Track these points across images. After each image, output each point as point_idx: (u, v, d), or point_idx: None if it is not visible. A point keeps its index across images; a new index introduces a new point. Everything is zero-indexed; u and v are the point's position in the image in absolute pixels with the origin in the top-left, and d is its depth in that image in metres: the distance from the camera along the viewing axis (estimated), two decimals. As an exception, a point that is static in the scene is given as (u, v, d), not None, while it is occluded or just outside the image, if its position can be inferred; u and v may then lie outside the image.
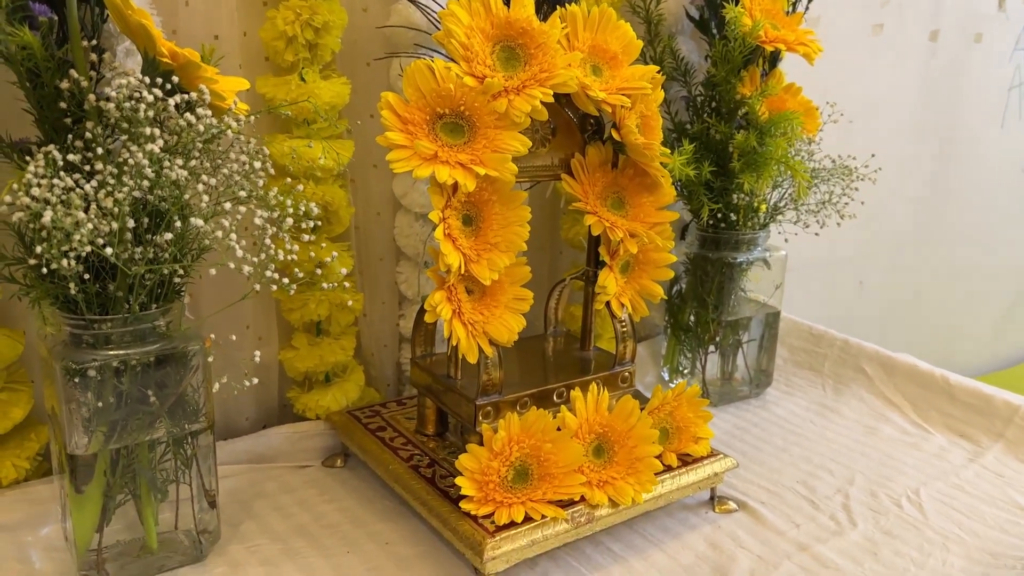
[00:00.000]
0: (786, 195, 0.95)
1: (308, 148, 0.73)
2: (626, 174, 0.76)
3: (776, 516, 0.77)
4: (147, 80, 0.56)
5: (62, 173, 0.51)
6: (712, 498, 0.79)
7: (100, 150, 0.54)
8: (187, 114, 0.53)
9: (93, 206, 0.53)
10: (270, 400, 0.87)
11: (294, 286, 0.62)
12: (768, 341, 1.04)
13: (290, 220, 0.57)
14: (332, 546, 0.71)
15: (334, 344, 0.83)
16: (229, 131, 0.55)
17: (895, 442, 0.92)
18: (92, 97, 0.54)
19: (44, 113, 0.57)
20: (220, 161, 0.57)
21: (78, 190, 0.53)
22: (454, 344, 0.67)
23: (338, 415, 0.83)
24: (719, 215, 0.94)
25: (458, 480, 0.66)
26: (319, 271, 0.76)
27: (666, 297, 1.07)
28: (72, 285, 0.56)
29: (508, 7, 0.67)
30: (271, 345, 0.84)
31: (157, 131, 0.51)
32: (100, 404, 0.61)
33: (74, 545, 0.63)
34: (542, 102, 0.65)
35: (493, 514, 0.66)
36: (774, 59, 0.95)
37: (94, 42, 0.61)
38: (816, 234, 0.93)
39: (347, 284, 0.81)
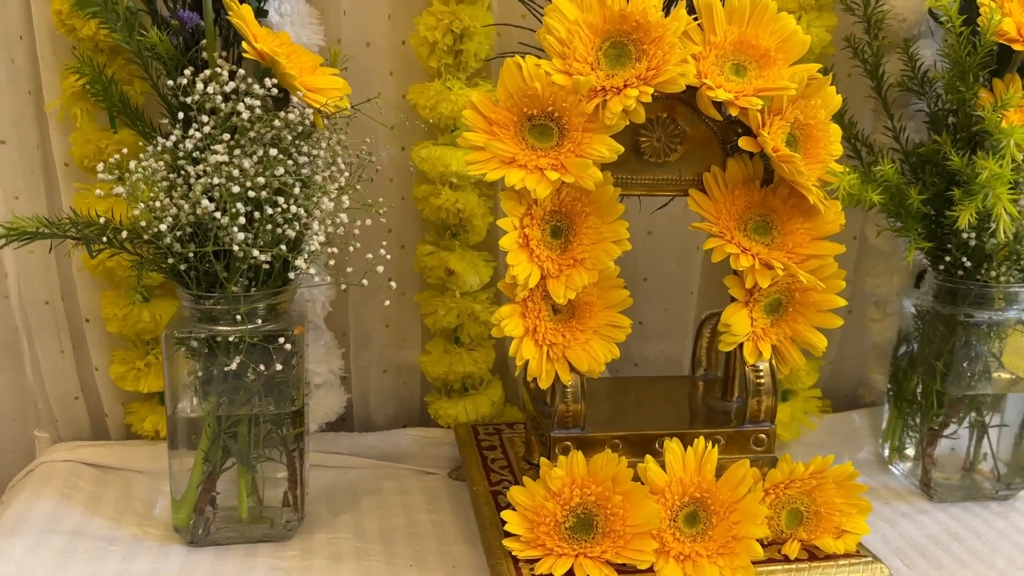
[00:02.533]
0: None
1: (435, 154, 0.73)
2: (779, 195, 0.64)
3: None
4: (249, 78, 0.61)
5: (143, 158, 0.57)
6: (855, 612, 0.62)
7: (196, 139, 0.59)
8: (240, 104, 0.55)
9: (179, 189, 0.59)
10: (412, 401, 0.88)
11: (364, 282, 0.62)
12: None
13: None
14: (402, 556, 0.69)
15: (465, 355, 0.81)
16: (291, 123, 0.57)
17: None
18: (200, 88, 0.59)
19: (170, 105, 0.64)
20: (295, 153, 0.59)
21: (173, 175, 0.59)
22: (520, 365, 0.61)
23: (463, 427, 0.81)
24: (947, 260, 0.74)
25: (504, 514, 0.60)
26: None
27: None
28: (171, 260, 0.62)
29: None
30: (414, 347, 0.85)
31: (204, 118, 0.55)
32: (200, 374, 0.67)
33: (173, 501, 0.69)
34: (655, 104, 0.58)
35: (539, 560, 0.59)
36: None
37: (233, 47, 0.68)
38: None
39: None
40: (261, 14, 0.69)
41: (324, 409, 0.83)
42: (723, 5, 0.61)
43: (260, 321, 0.66)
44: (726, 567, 0.59)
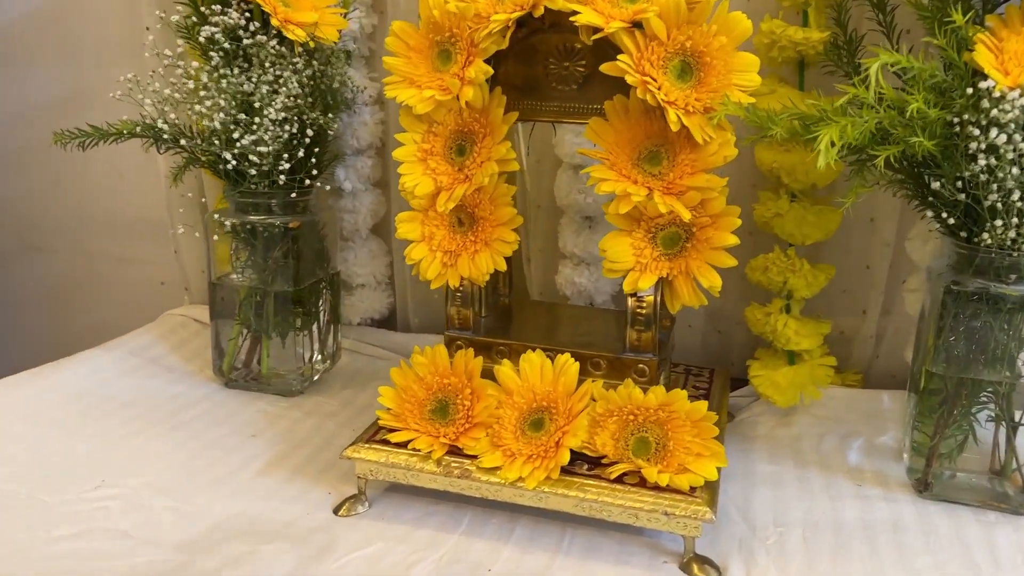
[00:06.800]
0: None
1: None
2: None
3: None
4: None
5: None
6: (685, 551, 0.61)
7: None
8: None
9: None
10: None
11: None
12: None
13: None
14: (357, 422, 0.81)
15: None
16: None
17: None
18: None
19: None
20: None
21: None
22: (411, 264, 0.69)
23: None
24: (945, 218, 0.64)
25: (381, 388, 0.70)
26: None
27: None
28: (203, 157, 0.81)
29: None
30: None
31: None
32: (232, 252, 0.86)
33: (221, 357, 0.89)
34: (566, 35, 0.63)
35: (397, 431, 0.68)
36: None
37: None
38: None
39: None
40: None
41: (366, 306, 0.98)
42: (625, -67, 0.62)
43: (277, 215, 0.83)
44: (539, 468, 0.62)
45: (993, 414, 0.69)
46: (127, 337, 0.96)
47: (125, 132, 0.83)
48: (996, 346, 0.66)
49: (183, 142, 0.81)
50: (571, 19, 0.60)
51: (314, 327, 0.89)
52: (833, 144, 0.51)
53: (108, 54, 1.06)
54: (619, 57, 0.60)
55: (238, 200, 0.83)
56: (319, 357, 0.91)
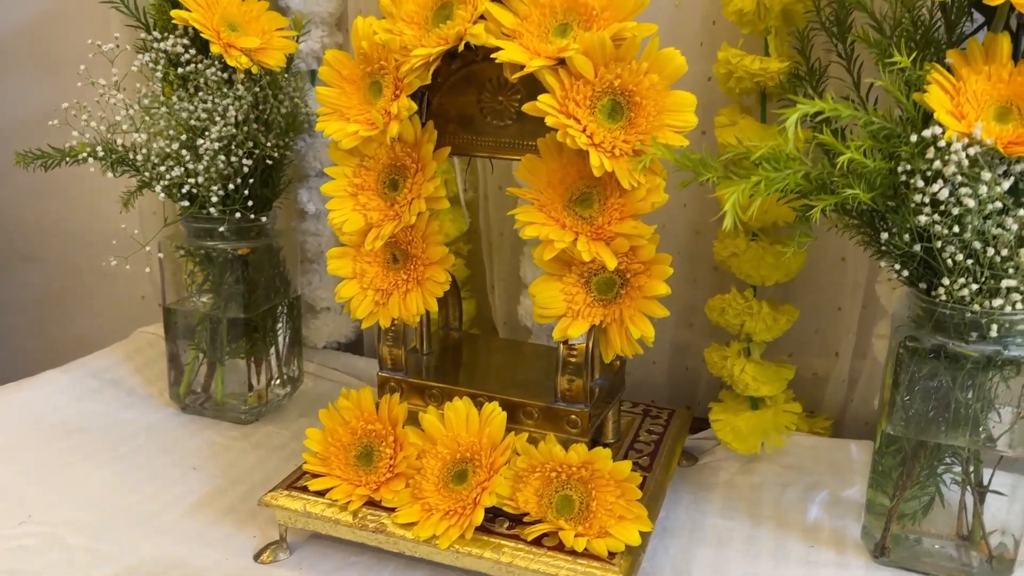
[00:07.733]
0: None
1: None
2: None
3: None
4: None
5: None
6: (607, 621, 0.57)
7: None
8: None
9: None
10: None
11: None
12: (1018, 503, 0.61)
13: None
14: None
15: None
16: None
17: None
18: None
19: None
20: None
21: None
22: (341, 302, 0.67)
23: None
24: (899, 269, 0.59)
25: (308, 430, 0.67)
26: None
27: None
28: (155, 183, 0.80)
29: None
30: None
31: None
32: (186, 276, 0.85)
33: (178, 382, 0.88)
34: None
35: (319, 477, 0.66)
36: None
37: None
38: None
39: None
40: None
41: (330, 330, 0.96)
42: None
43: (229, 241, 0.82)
44: (454, 526, 0.59)
45: (959, 478, 0.65)
46: (91, 357, 0.95)
47: (70, 156, 0.83)
48: (957, 407, 0.61)
49: (138, 166, 0.80)
50: (491, 56, 0.57)
51: (272, 353, 0.88)
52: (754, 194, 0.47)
53: (90, 71, 1.06)
54: (540, 97, 0.56)
55: (192, 225, 0.82)
56: (278, 383, 0.89)
